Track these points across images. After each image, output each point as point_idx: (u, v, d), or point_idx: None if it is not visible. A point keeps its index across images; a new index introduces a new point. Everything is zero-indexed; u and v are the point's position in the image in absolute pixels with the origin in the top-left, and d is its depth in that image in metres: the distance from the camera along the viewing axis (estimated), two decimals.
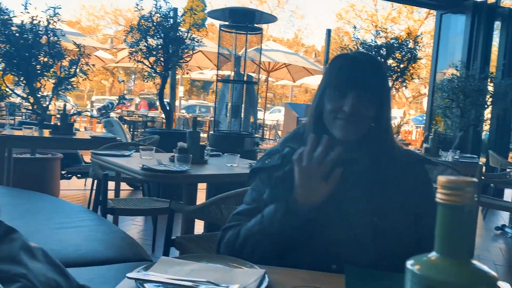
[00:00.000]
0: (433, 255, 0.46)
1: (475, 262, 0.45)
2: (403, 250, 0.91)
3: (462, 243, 0.44)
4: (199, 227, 3.43)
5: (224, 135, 3.81)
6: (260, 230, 1.08)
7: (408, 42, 5.19)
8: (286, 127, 8.80)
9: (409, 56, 5.08)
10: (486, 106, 5.26)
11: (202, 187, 3.60)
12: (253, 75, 4.67)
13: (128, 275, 0.85)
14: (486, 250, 3.97)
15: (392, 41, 5.17)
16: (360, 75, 1.12)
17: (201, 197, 2.50)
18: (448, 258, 0.44)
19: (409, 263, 0.46)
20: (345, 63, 1.14)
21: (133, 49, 4.51)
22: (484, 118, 5.54)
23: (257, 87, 4.59)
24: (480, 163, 4.13)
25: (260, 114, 13.19)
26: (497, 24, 6.21)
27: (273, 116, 17.12)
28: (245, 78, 3.97)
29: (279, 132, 12.98)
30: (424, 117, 7.50)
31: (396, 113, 17.99)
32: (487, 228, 4.84)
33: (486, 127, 6.22)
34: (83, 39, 7.89)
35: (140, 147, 2.67)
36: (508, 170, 4.48)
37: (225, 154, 2.64)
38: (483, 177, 4.10)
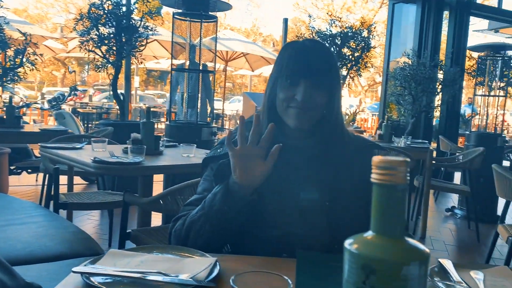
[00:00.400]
0: (369, 234, 0.47)
1: (408, 239, 0.46)
2: (355, 233, 0.93)
3: (395, 221, 0.46)
4: (157, 219, 3.38)
5: (181, 126, 3.76)
6: (202, 215, 1.07)
7: (362, 31, 5.29)
8: (245, 116, 8.81)
9: (363, 45, 5.19)
10: (436, 93, 5.46)
11: (159, 179, 3.55)
12: (210, 64, 4.62)
13: (74, 269, 0.82)
14: (437, 231, 4.15)
15: (347, 30, 5.26)
16: (310, 63, 1.12)
17: (158, 189, 2.46)
18: (383, 236, 0.46)
19: (346, 243, 0.47)
20: (294, 51, 1.14)
21: (84, 38, 4.35)
22: (435, 105, 5.76)
23: (213, 76, 4.54)
24: (431, 148, 4.29)
25: (219, 104, 13.13)
26: (446, 14, 6.44)
27: (232, 106, 17.08)
28: (200, 67, 3.91)
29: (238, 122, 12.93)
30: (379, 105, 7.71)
31: (352, 101, 18.40)
32: (438, 210, 5.06)
33: (436, 113, 6.47)
34: (30, 27, 7.51)
35: (92, 139, 2.58)
36: (457, 154, 4.69)
37: (181, 144, 2.61)
38: (433, 162, 4.27)
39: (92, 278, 0.80)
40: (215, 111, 9.50)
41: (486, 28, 11.30)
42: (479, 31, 11.47)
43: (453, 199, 5.46)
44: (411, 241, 0.46)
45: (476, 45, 5.33)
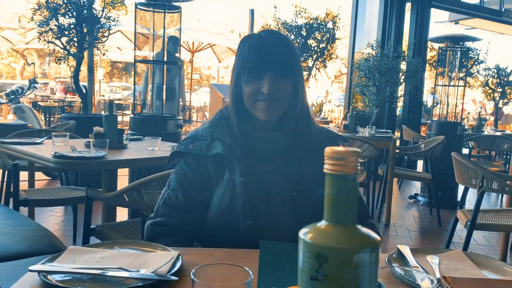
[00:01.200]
0: (322, 223, 0.47)
1: (359, 227, 0.47)
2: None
3: (347, 210, 0.47)
4: (123, 214, 3.33)
5: (146, 118, 3.70)
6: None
7: (327, 23, 5.35)
8: (212, 108, 8.75)
9: (328, 36, 5.25)
10: (399, 83, 5.60)
11: (124, 173, 3.48)
12: (177, 55, 4.56)
13: (31, 268, 0.80)
14: (401, 218, 4.28)
15: (312, 21, 5.30)
16: (272, 54, 1.12)
17: (124, 184, 2.41)
18: (335, 225, 0.46)
19: (301, 232, 0.47)
20: (254, 45, 1.14)
21: (43, 29, 4.19)
22: (398, 95, 5.90)
23: (180, 67, 4.48)
24: (395, 137, 4.40)
25: (186, 96, 12.96)
26: (408, 5, 6.59)
27: (200, 98, 16.92)
28: (164, 58, 3.85)
29: (207, 114, 12.88)
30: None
31: (319, 92, 18.59)
32: (402, 198, 5.21)
33: (400, 103, 6.63)
34: None
35: (53, 133, 2.50)
36: (419, 143, 4.83)
37: (146, 137, 2.57)
38: (397, 151, 4.39)
39: (49, 277, 0.78)
40: (180, 103, 9.40)
41: (447, 20, 11.64)
42: (440, 23, 11.79)
43: (416, 187, 5.63)
44: (363, 229, 0.47)
45: (437, 36, 5.48)
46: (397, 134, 6.53)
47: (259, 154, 1.16)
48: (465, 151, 5.45)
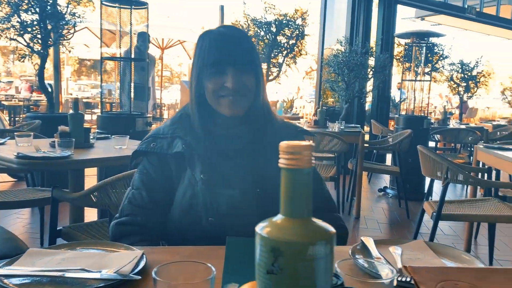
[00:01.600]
0: (278, 217, 0.48)
1: (315, 220, 0.48)
2: None
3: (302, 204, 0.47)
4: (93, 215, 3.27)
5: (113, 116, 3.63)
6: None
7: (296, 19, 5.37)
8: (183, 105, 8.70)
9: (298, 32, 5.27)
10: (367, 79, 5.70)
11: (93, 172, 3.41)
12: (149, 52, 4.49)
13: None
14: (371, 211, 4.36)
15: (282, 18, 5.31)
16: (234, 49, 1.12)
17: (92, 183, 2.36)
18: (290, 219, 0.47)
19: (257, 227, 0.47)
20: (215, 39, 1.13)
21: (4, 26, 4.05)
22: (367, 90, 6.01)
23: (148, 64, 4.42)
24: (364, 132, 4.48)
25: (157, 93, 12.79)
26: (376, 2, 6.70)
27: (171, 95, 16.72)
28: (132, 55, 3.79)
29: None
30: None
31: (291, 89, 18.68)
32: (371, 191, 5.31)
33: (369, 98, 6.75)
34: None
35: (16, 133, 2.43)
36: (388, 137, 4.93)
37: (113, 136, 2.52)
38: (366, 145, 4.47)
39: (6, 280, 0.75)
40: (152, 101, 9.26)
41: (414, 16, 11.92)
42: (407, 19, 12.06)
43: (386, 180, 5.75)
44: (318, 221, 0.47)
45: (403, 32, 5.59)
46: (367, 128, 6.64)
47: (222, 151, 1.15)
48: (432, 144, 5.60)
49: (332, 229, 0.47)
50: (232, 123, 1.16)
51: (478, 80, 6.70)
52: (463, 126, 5.85)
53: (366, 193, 5.09)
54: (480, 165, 3.32)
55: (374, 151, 5.42)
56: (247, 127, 1.17)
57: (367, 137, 5.90)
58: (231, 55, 1.11)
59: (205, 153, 1.13)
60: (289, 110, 7.95)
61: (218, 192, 1.11)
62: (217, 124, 1.16)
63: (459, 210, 2.69)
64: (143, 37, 4.89)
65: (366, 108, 7.03)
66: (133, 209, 1.14)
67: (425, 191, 4.59)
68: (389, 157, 6.27)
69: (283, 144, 0.47)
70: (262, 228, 0.47)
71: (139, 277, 0.79)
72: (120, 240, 1.08)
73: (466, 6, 8.27)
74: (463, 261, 0.91)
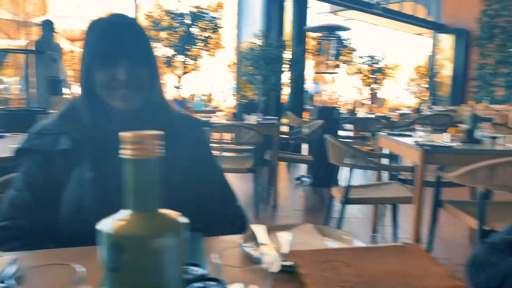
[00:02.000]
0: (122, 212, 0.46)
1: (163, 212, 0.46)
2: (185, 210, 0.94)
3: (148, 196, 0.46)
4: None
5: (11, 113, 3.35)
6: None
7: (211, 11, 5.35)
8: None
9: (212, 25, 5.26)
10: (283, 72, 5.84)
11: None
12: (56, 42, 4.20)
13: None
14: (288, 199, 4.49)
15: (196, 10, 5.26)
16: (126, 39, 1.08)
17: None
18: (137, 213, 0.45)
19: (99, 225, 0.45)
20: (104, 28, 1.08)
21: None
22: (283, 83, 6.16)
23: (58, 57, 4.14)
24: (281, 123, 4.59)
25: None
26: None
27: None
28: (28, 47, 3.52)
29: None
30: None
31: (212, 82, 18.60)
32: (290, 180, 5.47)
33: (286, 91, 6.92)
34: None
35: None
36: (302, 127, 5.10)
37: (9, 134, 2.33)
38: (284, 136, 4.58)
39: None
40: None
41: (329, 11, 12.41)
42: (322, 14, 12.53)
43: (304, 169, 5.95)
44: (166, 213, 0.46)
45: (313, 26, 5.79)
46: (286, 120, 6.82)
47: (115, 147, 1.10)
48: (345, 133, 5.89)
49: (179, 220, 0.46)
50: (126, 117, 1.12)
51: (384, 72, 7.15)
52: (371, 116, 6.22)
53: (284, 182, 5.23)
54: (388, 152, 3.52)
55: (291, 141, 5.58)
56: (143, 120, 1.13)
57: (286, 129, 6.05)
58: (123, 46, 1.06)
59: (96, 150, 1.08)
60: (209, 104, 7.91)
61: (109, 191, 1.06)
62: (110, 118, 1.11)
63: (365, 194, 2.86)
64: (49, 26, 4.55)
65: (286, 100, 7.20)
66: (15, 212, 1.06)
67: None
68: (305, 147, 6.50)
69: (126, 134, 0.45)
70: (103, 225, 0.45)
71: (5, 285, 0.73)
72: (1, 246, 1.00)
73: (374, 2, 8.76)
74: (343, 240, 0.97)
